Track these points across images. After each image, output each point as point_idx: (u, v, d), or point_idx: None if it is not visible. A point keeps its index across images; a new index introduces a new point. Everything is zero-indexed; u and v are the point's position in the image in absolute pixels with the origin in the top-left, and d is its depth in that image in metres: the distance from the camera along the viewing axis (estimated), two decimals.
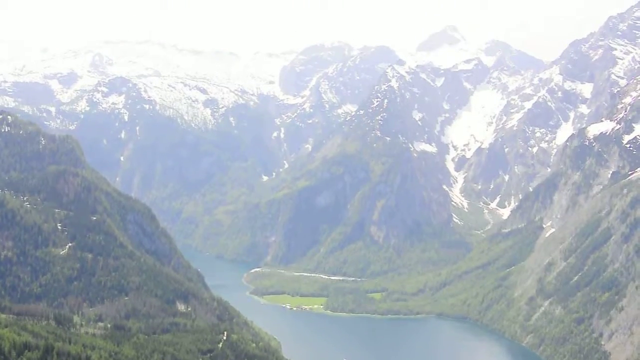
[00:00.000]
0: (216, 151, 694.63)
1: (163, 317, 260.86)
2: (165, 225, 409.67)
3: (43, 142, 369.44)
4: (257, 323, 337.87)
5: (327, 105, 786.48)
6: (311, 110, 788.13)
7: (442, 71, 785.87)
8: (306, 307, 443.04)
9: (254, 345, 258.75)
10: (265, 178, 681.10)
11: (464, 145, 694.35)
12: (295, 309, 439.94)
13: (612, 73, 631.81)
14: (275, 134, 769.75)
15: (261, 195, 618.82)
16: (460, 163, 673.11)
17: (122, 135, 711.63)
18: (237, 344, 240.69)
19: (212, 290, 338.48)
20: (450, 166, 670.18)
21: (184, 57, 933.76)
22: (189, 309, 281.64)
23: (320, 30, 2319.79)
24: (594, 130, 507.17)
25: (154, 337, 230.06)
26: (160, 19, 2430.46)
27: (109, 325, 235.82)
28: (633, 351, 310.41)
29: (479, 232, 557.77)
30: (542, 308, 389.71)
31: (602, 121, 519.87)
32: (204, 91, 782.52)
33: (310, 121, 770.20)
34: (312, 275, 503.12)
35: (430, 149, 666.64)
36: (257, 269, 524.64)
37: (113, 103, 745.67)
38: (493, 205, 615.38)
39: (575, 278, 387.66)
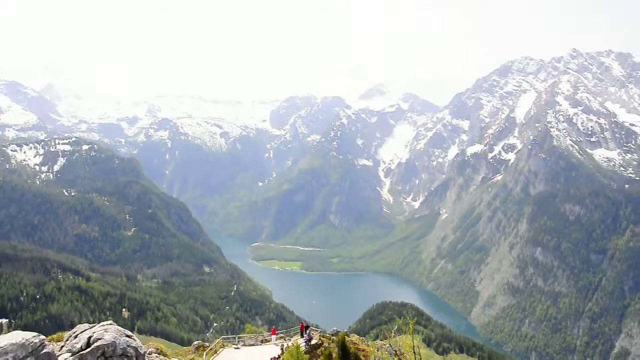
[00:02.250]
0: (228, 166, 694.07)
1: (195, 275, 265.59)
2: (196, 216, 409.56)
3: (116, 162, 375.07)
4: (256, 279, 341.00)
5: (300, 135, 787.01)
6: (290, 138, 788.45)
7: (375, 112, 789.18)
8: (288, 268, 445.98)
9: (254, 293, 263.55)
10: (260, 184, 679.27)
11: (390, 160, 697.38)
12: (281, 269, 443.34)
13: (480, 114, 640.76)
14: (267, 155, 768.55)
15: (258, 195, 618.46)
16: (388, 172, 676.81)
17: (167, 157, 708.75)
18: (243, 292, 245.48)
19: (226, 258, 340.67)
20: (381, 174, 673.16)
21: (206, 104, 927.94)
22: (212, 270, 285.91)
23: (295, 84, 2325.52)
24: (470, 150, 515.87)
25: (189, 288, 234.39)
26: (190, 77, 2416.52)
27: (160, 281, 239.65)
28: (493, 289, 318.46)
29: (400, 217, 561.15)
30: (440, 265, 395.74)
31: (475, 145, 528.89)
32: (220, 127, 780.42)
33: (290, 146, 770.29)
34: (292, 247, 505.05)
35: (368, 163, 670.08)
36: (256, 244, 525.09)
37: (161, 136, 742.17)
38: (409, 199, 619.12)
39: (460, 245, 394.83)
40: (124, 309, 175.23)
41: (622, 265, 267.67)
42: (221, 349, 53.11)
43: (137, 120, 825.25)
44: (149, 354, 37.61)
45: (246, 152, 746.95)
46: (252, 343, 58.04)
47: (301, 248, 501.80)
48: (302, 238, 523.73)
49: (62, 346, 24.14)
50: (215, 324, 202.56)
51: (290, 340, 57.99)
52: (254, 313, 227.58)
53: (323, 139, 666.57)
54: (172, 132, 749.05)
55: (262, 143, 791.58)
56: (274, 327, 66.92)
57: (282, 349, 51.12)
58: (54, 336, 32.65)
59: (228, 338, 59.58)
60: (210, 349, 51.88)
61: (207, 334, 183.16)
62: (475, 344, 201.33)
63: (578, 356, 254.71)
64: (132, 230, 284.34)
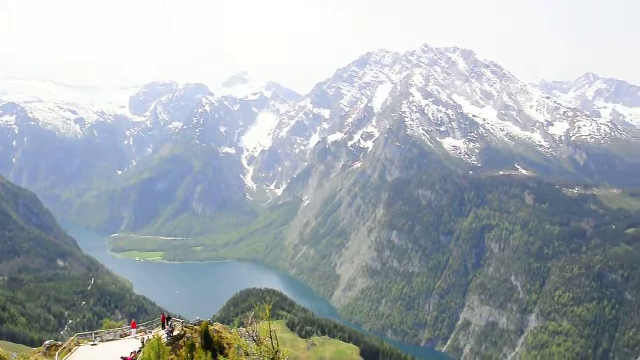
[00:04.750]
0: (84, 154, 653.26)
1: (47, 270, 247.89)
2: (48, 207, 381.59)
3: None
4: (115, 271, 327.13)
5: (162, 122, 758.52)
6: (151, 125, 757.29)
7: (238, 100, 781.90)
8: (150, 259, 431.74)
9: (113, 286, 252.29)
10: (120, 172, 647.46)
11: (253, 148, 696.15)
12: (142, 260, 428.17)
13: (341, 103, 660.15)
14: (126, 142, 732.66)
15: (117, 184, 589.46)
16: (251, 160, 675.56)
17: (14, 143, 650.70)
18: (102, 286, 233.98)
19: (83, 250, 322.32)
20: (244, 162, 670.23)
21: (59, 89, 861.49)
22: (66, 264, 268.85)
23: (156, 70, 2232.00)
24: (331, 138, 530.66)
25: (40, 284, 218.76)
26: (40, 60, 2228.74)
27: (5, 278, 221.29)
28: (353, 272, 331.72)
29: (263, 204, 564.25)
30: (302, 251, 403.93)
31: (335, 133, 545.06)
32: (74, 112, 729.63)
33: (150, 133, 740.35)
34: (154, 237, 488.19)
35: (231, 151, 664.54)
36: (115, 235, 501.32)
37: (6, 121, 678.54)
38: (272, 186, 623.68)
39: (322, 230, 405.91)
40: None
41: (466, 244, 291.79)
42: (76, 347, 50.75)
43: None
44: None
45: (104, 139, 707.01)
46: (110, 338, 56.06)
47: (163, 238, 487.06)
48: (164, 227, 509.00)
49: None
50: (70, 321, 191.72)
51: (151, 332, 56.84)
52: (113, 307, 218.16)
53: (185, 126, 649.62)
54: (20, 117, 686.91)
55: (121, 130, 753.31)
56: (133, 320, 65.02)
57: (142, 342, 49.99)
58: None
59: (84, 335, 57.08)
60: (64, 348, 49.38)
61: (61, 332, 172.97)
62: (337, 325, 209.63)
63: (428, 330, 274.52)
64: None
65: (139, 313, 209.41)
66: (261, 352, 27.16)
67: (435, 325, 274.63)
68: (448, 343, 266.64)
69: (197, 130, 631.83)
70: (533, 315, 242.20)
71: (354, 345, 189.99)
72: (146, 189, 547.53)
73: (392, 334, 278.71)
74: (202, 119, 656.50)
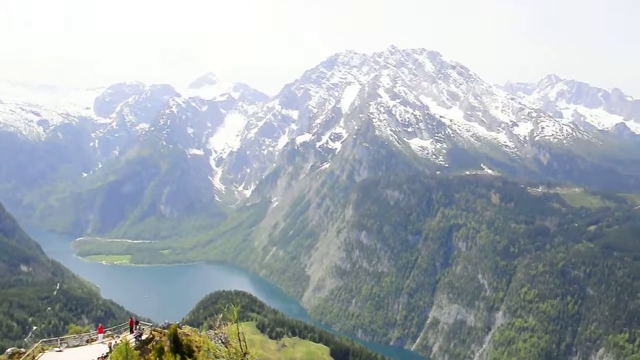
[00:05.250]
0: (48, 156, 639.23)
1: (9, 276, 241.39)
2: (10, 210, 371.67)
3: None
4: (82, 276, 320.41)
5: (128, 124, 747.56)
6: (117, 127, 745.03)
7: (206, 101, 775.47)
8: (117, 262, 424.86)
9: (80, 290, 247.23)
10: (85, 175, 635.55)
11: (221, 149, 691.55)
12: (109, 264, 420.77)
13: (309, 105, 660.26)
14: (92, 144, 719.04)
15: (82, 186, 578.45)
16: (219, 161, 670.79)
17: None
18: (68, 291, 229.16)
19: (47, 255, 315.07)
20: (213, 164, 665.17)
21: (18, 89, 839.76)
22: (30, 269, 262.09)
23: (122, 71, 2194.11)
24: (300, 139, 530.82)
25: (3, 290, 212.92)
26: None
27: None
28: (322, 273, 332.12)
29: (232, 206, 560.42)
30: (272, 252, 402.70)
31: (304, 134, 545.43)
32: (37, 114, 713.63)
33: (117, 135, 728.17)
34: (121, 240, 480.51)
35: (199, 152, 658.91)
36: (81, 238, 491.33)
37: None
38: (240, 188, 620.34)
39: (291, 232, 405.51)
40: None
41: (434, 244, 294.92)
42: (40, 354, 49.60)
43: None
44: None
45: (68, 141, 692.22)
46: (76, 344, 54.98)
47: (130, 241, 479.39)
48: (131, 230, 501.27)
49: None
50: (34, 327, 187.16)
51: (119, 337, 55.99)
52: (79, 312, 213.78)
53: (152, 128, 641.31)
54: None
55: (86, 132, 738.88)
56: (100, 325, 63.94)
57: (110, 347, 49.21)
58: None
59: (49, 341, 55.88)
60: (27, 355, 48.25)
61: (25, 339, 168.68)
62: (307, 326, 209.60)
63: (398, 329, 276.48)
64: None
65: (107, 318, 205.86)
66: (230, 355, 27.05)
67: (404, 324, 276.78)
68: (417, 342, 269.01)
69: (165, 131, 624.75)
70: (500, 312, 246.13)
71: (325, 346, 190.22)
72: (112, 191, 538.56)
73: (362, 334, 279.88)
74: (169, 121, 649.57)
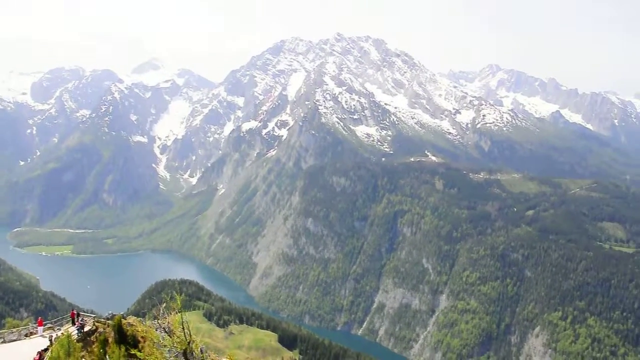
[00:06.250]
0: None
1: None
2: None
3: None
4: (20, 267, 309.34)
5: (68, 110, 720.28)
6: (56, 114, 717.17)
7: (149, 87, 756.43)
8: (58, 253, 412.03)
9: (18, 283, 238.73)
10: (22, 163, 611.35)
11: (166, 137, 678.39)
12: (49, 255, 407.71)
13: (255, 91, 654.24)
14: (29, 131, 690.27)
15: (19, 175, 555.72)
16: (164, 149, 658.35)
17: None
18: (5, 283, 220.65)
19: None
20: (157, 151, 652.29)
21: None
22: None
23: (60, 55, 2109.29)
24: (246, 126, 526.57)
25: None
26: None
27: None
28: (270, 260, 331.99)
29: (177, 194, 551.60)
30: (218, 240, 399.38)
31: (250, 121, 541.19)
32: None
33: (56, 122, 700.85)
34: (62, 230, 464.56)
35: (143, 140, 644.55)
36: (19, 229, 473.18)
37: None
38: (186, 176, 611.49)
39: (238, 219, 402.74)
40: None
41: (380, 229, 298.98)
42: None
43: None
44: None
45: (3, 128, 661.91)
46: (14, 339, 52.91)
47: (72, 231, 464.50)
48: (73, 220, 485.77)
49: None
50: None
51: (60, 330, 54.25)
52: (17, 305, 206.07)
53: (94, 115, 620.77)
54: None
55: (23, 118, 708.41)
56: (40, 317, 61.72)
57: (51, 340, 47.59)
58: None
59: None
60: None
61: None
62: (255, 313, 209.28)
63: (345, 314, 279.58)
64: None
65: (47, 310, 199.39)
66: (174, 344, 26.65)
67: (351, 310, 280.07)
68: (364, 326, 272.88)
69: (107, 118, 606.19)
70: (443, 295, 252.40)
71: (272, 333, 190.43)
72: (52, 180, 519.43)
73: (310, 320, 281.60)
74: (111, 107, 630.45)
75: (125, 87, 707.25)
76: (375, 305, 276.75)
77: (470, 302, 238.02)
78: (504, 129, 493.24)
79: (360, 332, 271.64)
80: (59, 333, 50.55)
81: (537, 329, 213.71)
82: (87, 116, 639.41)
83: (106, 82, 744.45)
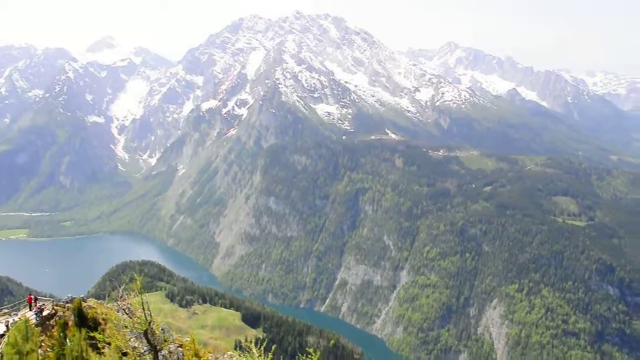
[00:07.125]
0: None
1: None
2: None
3: None
4: None
5: (19, 90, 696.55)
6: (7, 93, 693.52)
7: (105, 66, 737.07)
8: (13, 237, 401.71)
9: None
10: None
11: (124, 117, 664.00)
12: (4, 239, 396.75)
13: (214, 70, 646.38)
14: None
15: None
16: (122, 129, 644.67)
17: None
18: None
19: None
20: (115, 131, 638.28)
21: None
22: None
23: (9, 32, 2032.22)
24: (205, 106, 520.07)
25: None
26: None
27: None
28: (232, 239, 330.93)
29: (136, 175, 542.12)
30: (179, 220, 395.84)
31: (209, 100, 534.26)
32: None
33: (7, 102, 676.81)
34: (16, 214, 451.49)
35: (100, 120, 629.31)
36: None
37: None
38: (145, 156, 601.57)
39: (199, 200, 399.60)
40: None
41: (341, 207, 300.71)
42: None
43: None
44: None
45: None
46: None
47: (27, 214, 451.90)
48: (28, 203, 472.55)
49: None
50: None
51: (17, 315, 52.90)
52: None
53: (47, 95, 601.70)
54: None
55: None
56: None
57: (7, 325, 46.35)
58: None
59: None
60: None
61: None
62: (218, 293, 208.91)
63: (307, 292, 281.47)
64: None
65: (3, 296, 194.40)
66: (134, 324, 26.36)
67: (314, 287, 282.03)
68: (327, 302, 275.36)
69: (61, 98, 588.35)
70: (404, 271, 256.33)
71: (236, 312, 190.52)
72: (5, 162, 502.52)
73: (273, 298, 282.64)
74: (65, 87, 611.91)
75: (80, 66, 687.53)
76: (337, 282, 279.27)
77: (431, 277, 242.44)
78: (463, 106, 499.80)
79: (323, 308, 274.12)
80: (16, 318, 49.28)
81: (495, 301, 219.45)
82: (41, 96, 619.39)
83: (59, 61, 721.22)
